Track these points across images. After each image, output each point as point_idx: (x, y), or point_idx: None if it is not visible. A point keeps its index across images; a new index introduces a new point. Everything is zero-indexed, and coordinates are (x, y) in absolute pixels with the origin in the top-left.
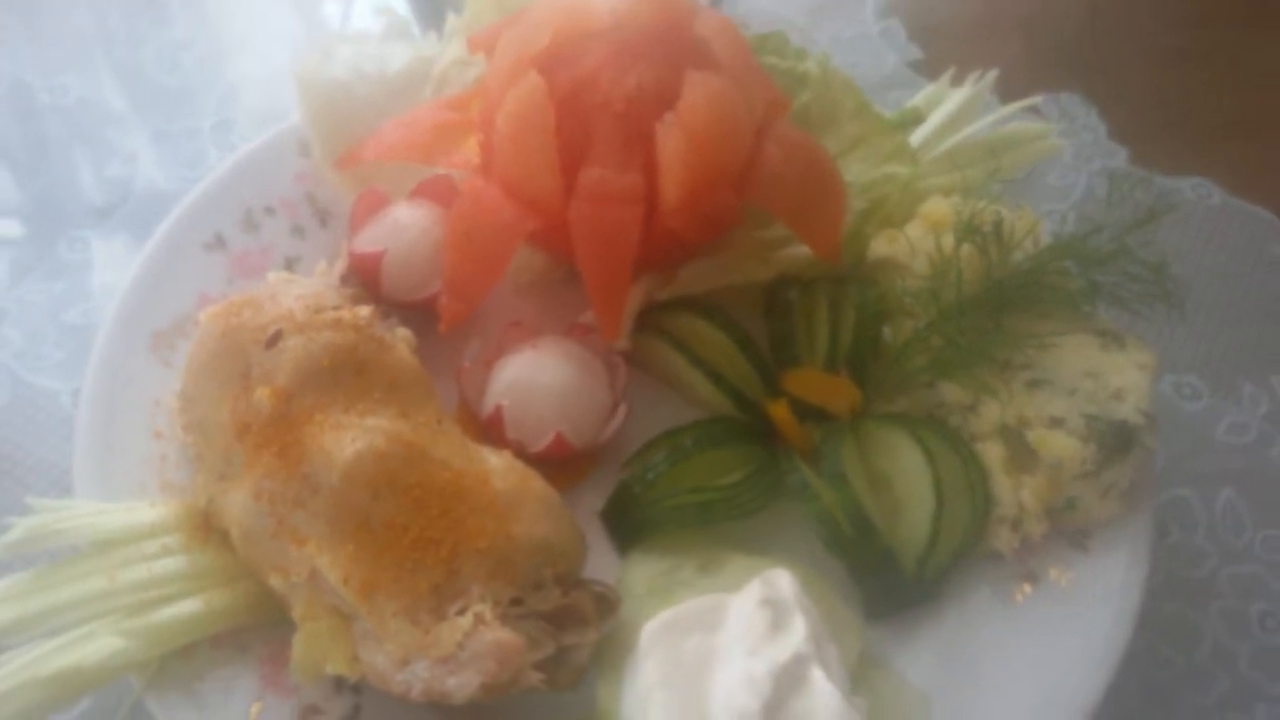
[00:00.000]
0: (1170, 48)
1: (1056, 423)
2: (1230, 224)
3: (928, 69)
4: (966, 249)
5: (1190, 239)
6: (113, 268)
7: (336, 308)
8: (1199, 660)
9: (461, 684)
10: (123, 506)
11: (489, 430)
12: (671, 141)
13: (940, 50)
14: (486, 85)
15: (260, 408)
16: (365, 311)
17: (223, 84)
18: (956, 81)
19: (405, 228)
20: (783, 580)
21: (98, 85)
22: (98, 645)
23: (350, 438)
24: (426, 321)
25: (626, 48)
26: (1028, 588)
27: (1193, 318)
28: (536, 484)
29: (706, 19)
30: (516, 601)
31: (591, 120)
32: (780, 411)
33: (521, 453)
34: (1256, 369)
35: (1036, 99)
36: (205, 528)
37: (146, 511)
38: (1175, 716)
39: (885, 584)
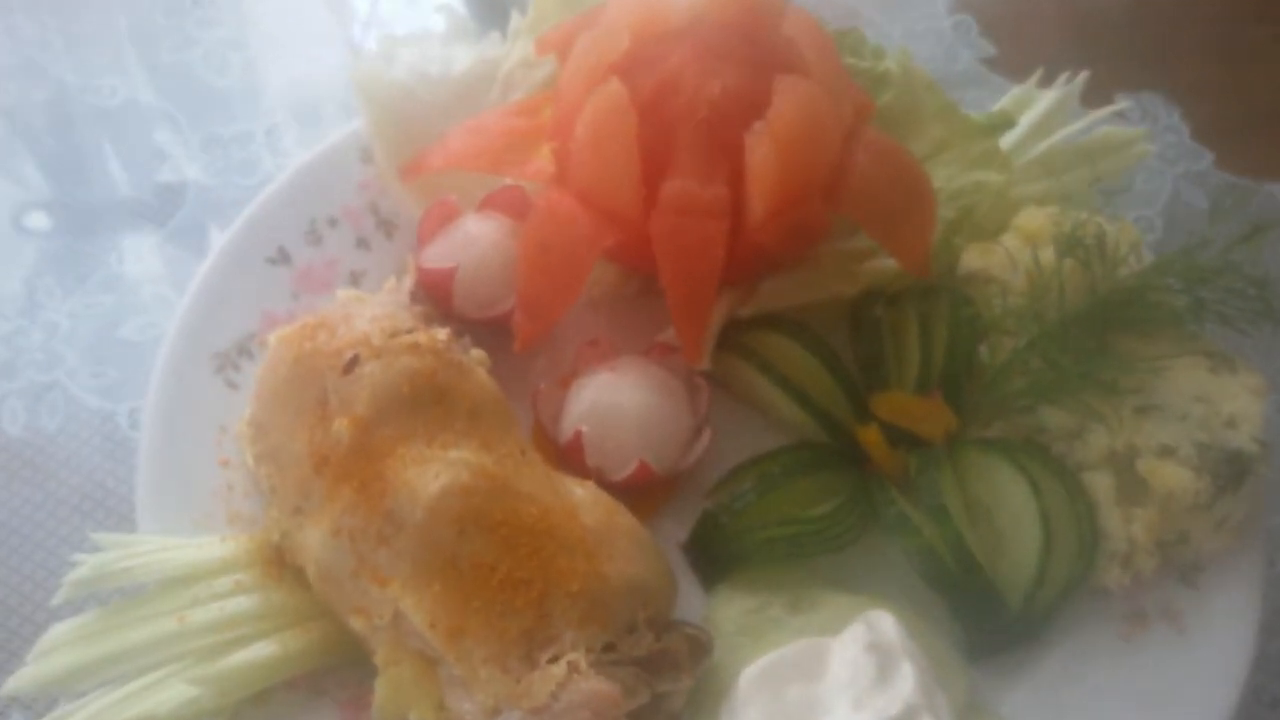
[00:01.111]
0: (1247, 44)
1: (1168, 451)
2: None
3: (1002, 65)
4: (1068, 263)
5: None
6: (167, 280)
7: (411, 330)
8: None
9: None
10: (192, 541)
11: (567, 457)
12: (761, 151)
13: (1013, 47)
14: (561, 91)
15: (339, 439)
16: (443, 334)
17: (272, 86)
18: (1044, 83)
19: (476, 241)
20: (886, 623)
21: (144, 88)
22: (169, 694)
23: (434, 472)
24: (497, 339)
25: (710, 50)
26: (1137, 627)
27: None
28: (625, 519)
29: (794, 17)
30: (609, 647)
31: (674, 128)
32: (872, 437)
33: (601, 480)
34: None
35: (1125, 103)
36: (279, 564)
37: (217, 547)
38: None
39: (989, 623)
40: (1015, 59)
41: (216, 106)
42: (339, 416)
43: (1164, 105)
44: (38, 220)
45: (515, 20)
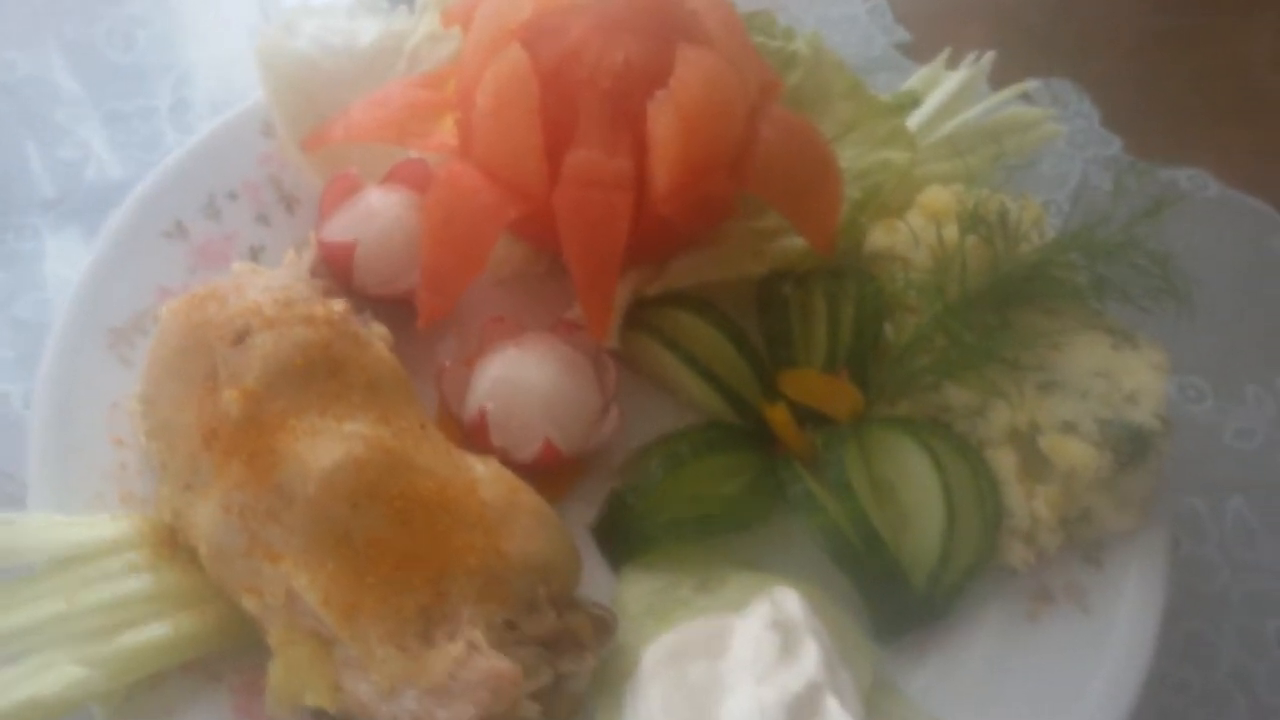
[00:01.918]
0: (1155, 31)
1: (1069, 427)
2: (1228, 217)
3: (916, 51)
4: (971, 240)
5: (1187, 233)
6: (65, 258)
7: (308, 301)
8: (1216, 682)
9: (453, 717)
10: (81, 520)
11: (472, 436)
12: (663, 121)
13: (927, 32)
14: (464, 60)
15: (228, 411)
16: (340, 305)
17: (180, 64)
18: (952, 64)
19: (378, 215)
20: (791, 600)
21: (47, 63)
22: (56, 675)
23: (327, 444)
24: (402, 317)
25: (613, 20)
26: (1042, 606)
27: (1192, 315)
28: (527, 496)
29: None
30: (510, 625)
31: (577, 98)
32: (779, 415)
33: (507, 460)
34: (1261, 370)
35: (1031, 84)
36: (171, 543)
37: (107, 525)
38: None
39: (894, 602)
40: (930, 45)
41: (120, 82)
42: (228, 388)
43: (1074, 91)
44: None
45: None
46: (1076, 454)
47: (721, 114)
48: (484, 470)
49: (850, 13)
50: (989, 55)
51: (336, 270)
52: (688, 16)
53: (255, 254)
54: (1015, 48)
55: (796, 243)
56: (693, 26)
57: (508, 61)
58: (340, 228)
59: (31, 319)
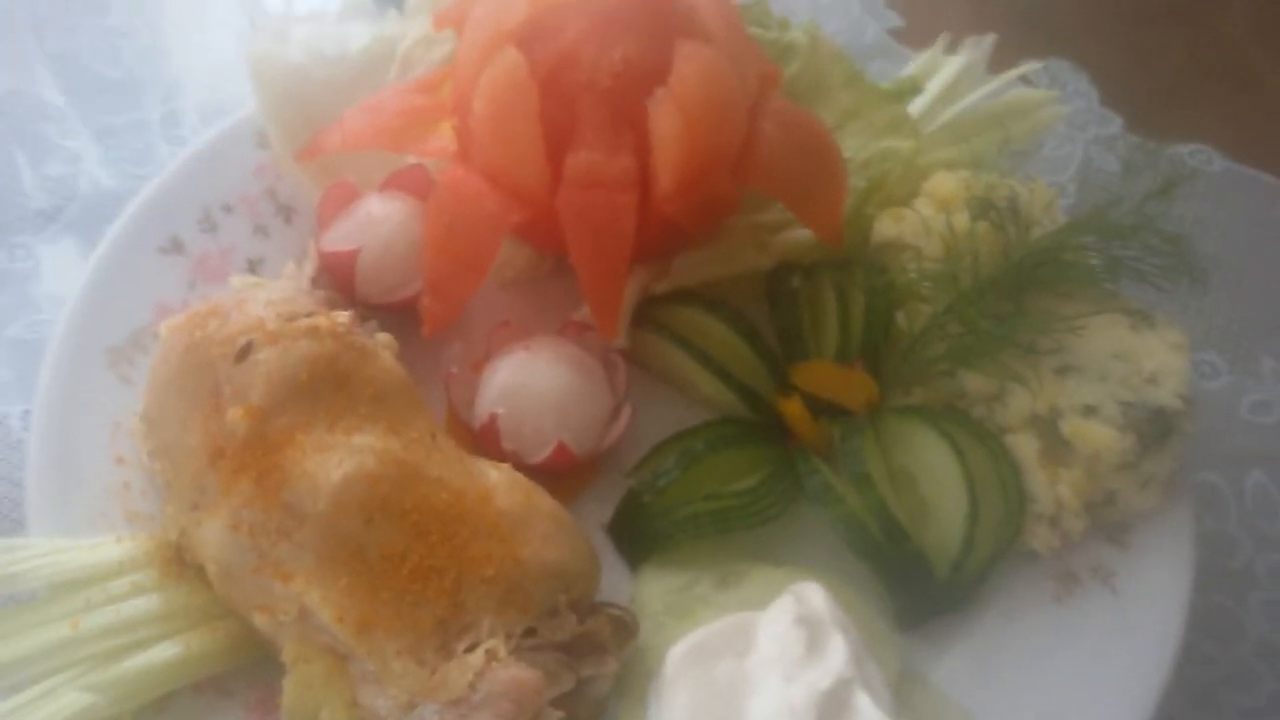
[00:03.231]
0: (1149, 13)
1: (1090, 411)
2: (1233, 191)
3: (908, 37)
4: (981, 227)
5: (1194, 209)
6: (60, 277)
7: (311, 314)
8: (1242, 657)
9: None
10: (85, 543)
11: (483, 442)
12: (664, 119)
13: (920, 18)
14: (459, 65)
15: (234, 429)
16: (344, 316)
17: (168, 76)
18: (950, 49)
19: (379, 223)
20: (815, 595)
21: (30, 77)
22: (62, 703)
23: (337, 459)
24: (406, 325)
25: (610, 18)
26: (1068, 589)
27: (1205, 291)
28: (543, 500)
29: None
30: (529, 633)
31: (576, 100)
32: (793, 408)
33: (520, 465)
34: (1275, 343)
35: (1032, 65)
36: (179, 563)
37: (112, 547)
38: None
39: (917, 591)
40: (923, 30)
41: (109, 96)
42: (233, 406)
43: (1072, 72)
44: None
45: None
46: (1099, 437)
47: (722, 110)
48: (498, 477)
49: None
50: (989, 39)
51: (338, 280)
52: (685, 11)
53: (254, 266)
54: (1004, 30)
55: (802, 235)
56: (690, 21)
57: (504, 65)
58: (340, 237)
59: (28, 339)
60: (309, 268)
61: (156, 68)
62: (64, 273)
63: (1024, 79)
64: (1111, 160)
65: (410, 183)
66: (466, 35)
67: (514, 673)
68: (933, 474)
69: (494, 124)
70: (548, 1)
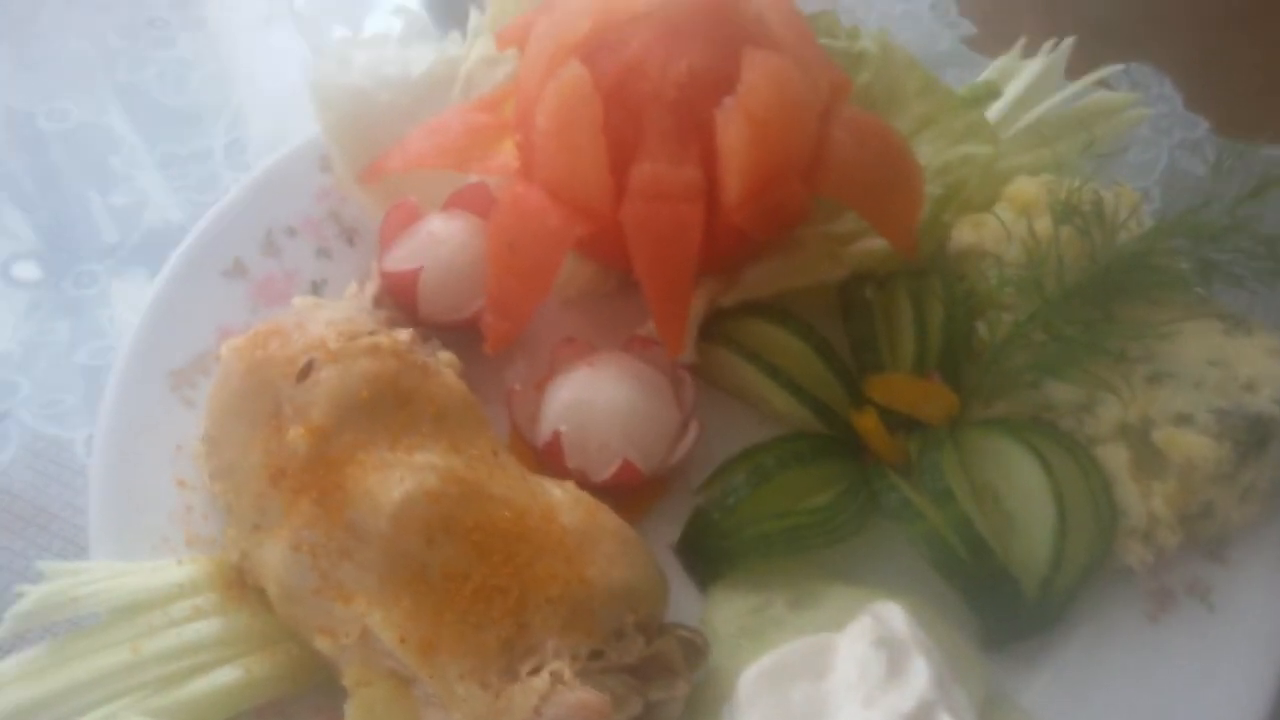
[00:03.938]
0: (1231, 12)
1: (1184, 420)
2: None
3: (982, 45)
4: (1065, 232)
5: None
6: (126, 303)
7: (372, 333)
8: None
9: None
10: (146, 566)
11: (546, 460)
12: (733, 128)
13: (993, 25)
14: (521, 81)
15: (295, 449)
16: (405, 335)
17: (231, 106)
18: (1028, 52)
19: (442, 242)
20: (895, 615)
21: (99, 109)
22: None
23: (398, 478)
24: (469, 344)
25: (675, 29)
26: (1163, 607)
27: None
28: (609, 518)
29: None
30: (596, 654)
31: (641, 111)
32: (868, 422)
33: (584, 483)
34: None
35: (1112, 68)
36: (240, 585)
37: (173, 570)
38: None
39: (1005, 610)
40: (997, 37)
41: (175, 126)
42: (294, 425)
43: (1154, 75)
44: None
45: (475, 18)
46: (1193, 446)
47: (792, 117)
48: (561, 495)
49: (913, 9)
50: (1067, 42)
51: (401, 300)
52: (752, 20)
53: (317, 289)
54: (1079, 35)
55: (876, 245)
56: (758, 30)
57: (568, 79)
58: (403, 257)
59: (93, 365)
60: (371, 288)
61: (221, 96)
62: (130, 299)
63: (1104, 83)
64: (1197, 164)
65: (473, 201)
66: (529, 51)
67: (580, 695)
68: (1018, 488)
69: (557, 138)
70: (611, 14)
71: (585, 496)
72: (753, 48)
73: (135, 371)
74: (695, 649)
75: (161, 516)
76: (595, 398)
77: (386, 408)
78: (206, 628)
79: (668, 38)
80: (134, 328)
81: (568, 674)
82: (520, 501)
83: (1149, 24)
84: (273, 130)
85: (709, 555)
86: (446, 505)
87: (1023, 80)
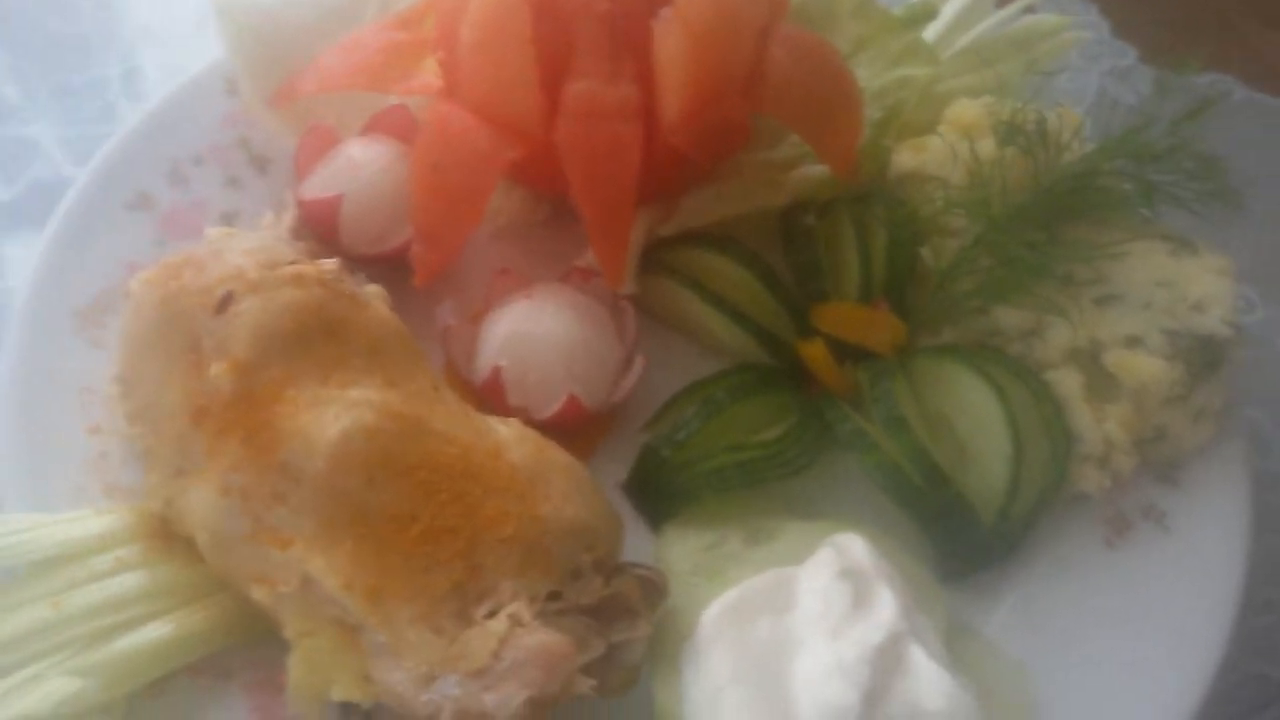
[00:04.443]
0: None
1: (1134, 342)
2: (1254, 121)
3: None
4: (1010, 153)
5: (1216, 140)
6: (21, 243)
7: (293, 262)
8: None
9: (503, 700)
10: (63, 517)
11: (486, 397)
12: (670, 41)
13: None
14: None
15: (218, 386)
16: (330, 263)
17: (126, 33)
18: None
19: (362, 167)
20: (857, 546)
21: None
22: (50, 688)
23: (333, 414)
24: (397, 279)
25: None
26: (1120, 532)
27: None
28: (558, 454)
29: None
30: (554, 596)
31: (572, 23)
32: (816, 352)
33: (527, 421)
34: None
35: None
36: (165, 535)
37: (92, 521)
38: None
39: (962, 539)
40: None
41: (66, 53)
42: (215, 361)
43: (1080, 3)
44: None
45: None
46: (1146, 369)
47: (731, 31)
48: (507, 431)
49: None
50: None
51: (321, 230)
52: None
53: (228, 220)
54: None
55: (816, 171)
56: None
57: None
58: (321, 184)
59: None
60: (288, 218)
61: (115, 26)
62: (27, 240)
63: (1029, 10)
64: (1128, 93)
65: (394, 125)
66: None
67: (541, 638)
68: (971, 416)
69: (484, 54)
70: None
71: (531, 433)
72: None
73: (37, 311)
74: (654, 588)
75: (75, 466)
76: (535, 330)
77: (315, 340)
78: (132, 580)
79: None
80: (33, 265)
81: (526, 616)
82: (465, 438)
83: None
84: (173, 62)
85: (660, 493)
86: (386, 441)
87: (958, 2)
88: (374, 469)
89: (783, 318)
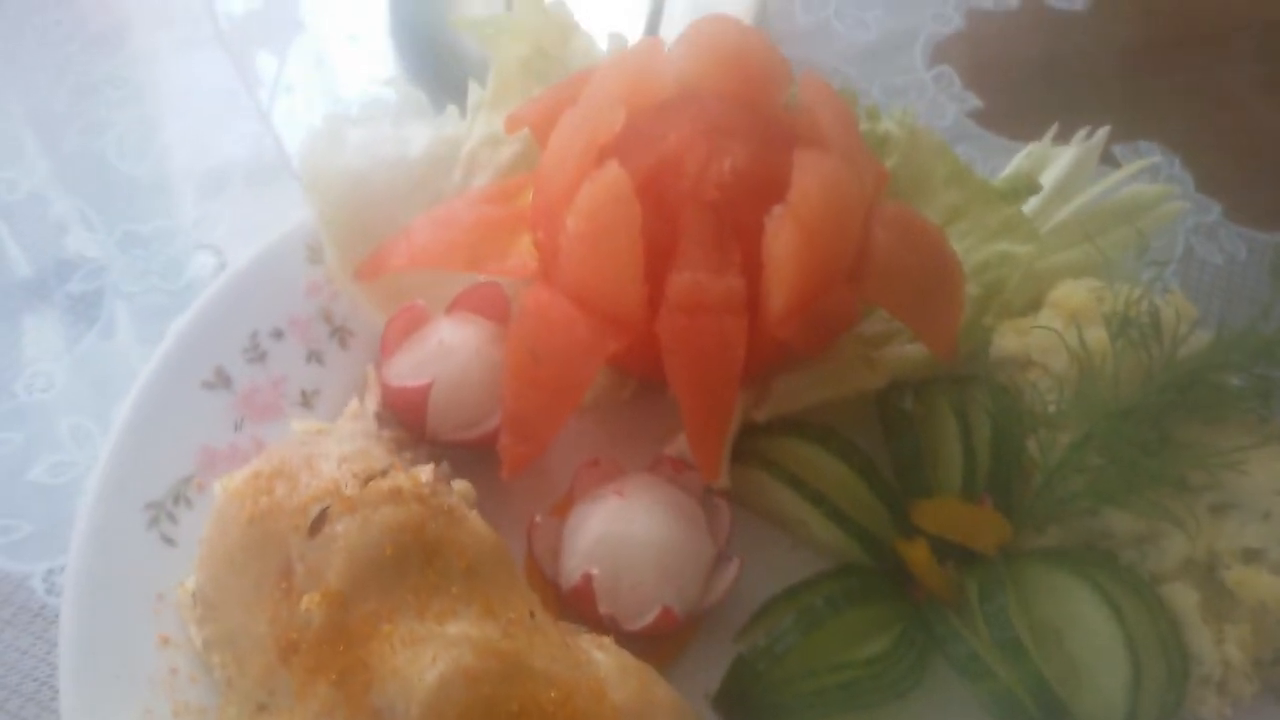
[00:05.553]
0: (1238, 88)
1: (1253, 556)
2: None
3: (989, 120)
4: (1121, 345)
5: None
6: (86, 411)
7: (387, 470)
8: None
9: None
10: None
11: (572, 603)
12: (783, 236)
13: (999, 99)
14: (544, 174)
15: (309, 619)
16: (426, 473)
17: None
18: (1060, 139)
19: (453, 351)
20: None
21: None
22: None
23: (430, 655)
24: (474, 461)
25: (714, 123)
26: None
27: None
28: (663, 692)
29: (808, 82)
30: None
31: (677, 213)
32: (919, 554)
33: (616, 630)
34: None
35: (1154, 159)
36: None
37: None
38: None
39: None
40: (1001, 113)
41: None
42: (307, 590)
43: (1163, 154)
44: None
45: (474, 92)
46: (1265, 587)
47: (843, 222)
48: (606, 661)
49: (916, 80)
50: (1103, 130)
51: (408, 417)
52: (797, 112)
53: (308, 399)
54: (1090, 108)
55: (913, 350)
56: (801, 124)
57: (606, 182)
58: (410, 368)
59: (50, 483)
60: (371, 403)
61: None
62: (91, 408)
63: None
64: (1214, 249)
65: (483, 303)
66: (555, 142)
67: None
68: (1086, 634)
69: (591, 244)
70: (643, 105)
71: (632, 663)
72: (803, 148)
73: (107, 503)
74: None
75: (143, 680)
76: (627, 532)
77: (413, 566)
78: None
79: (707, 131)
80: (105, 450)
81: None
82: (566, 677)
83: (1156, 96)
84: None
85: (754, 709)
86: (486, 687)
87: (1057, 170)
88: (473, 717)
89: (882, 515)
